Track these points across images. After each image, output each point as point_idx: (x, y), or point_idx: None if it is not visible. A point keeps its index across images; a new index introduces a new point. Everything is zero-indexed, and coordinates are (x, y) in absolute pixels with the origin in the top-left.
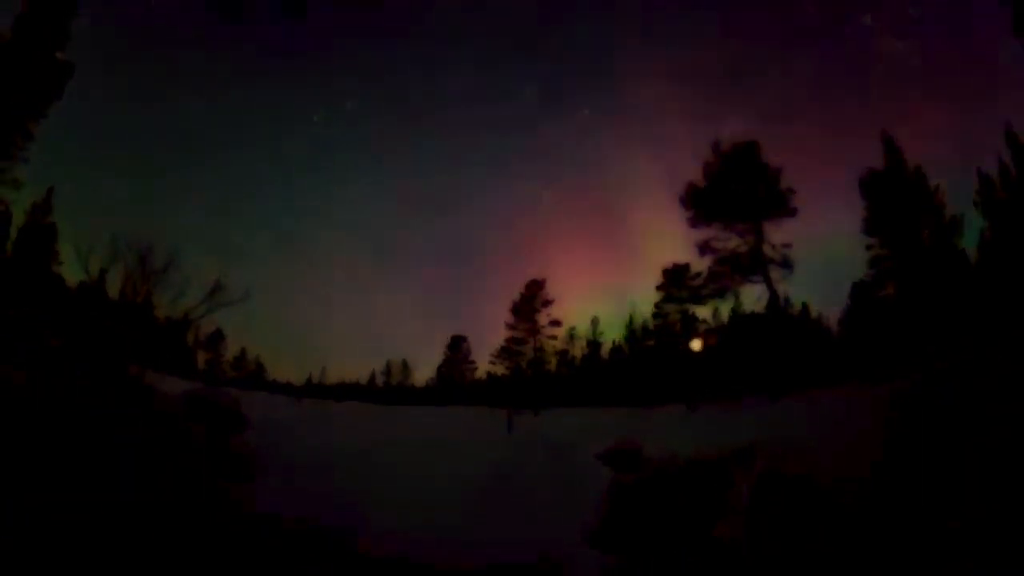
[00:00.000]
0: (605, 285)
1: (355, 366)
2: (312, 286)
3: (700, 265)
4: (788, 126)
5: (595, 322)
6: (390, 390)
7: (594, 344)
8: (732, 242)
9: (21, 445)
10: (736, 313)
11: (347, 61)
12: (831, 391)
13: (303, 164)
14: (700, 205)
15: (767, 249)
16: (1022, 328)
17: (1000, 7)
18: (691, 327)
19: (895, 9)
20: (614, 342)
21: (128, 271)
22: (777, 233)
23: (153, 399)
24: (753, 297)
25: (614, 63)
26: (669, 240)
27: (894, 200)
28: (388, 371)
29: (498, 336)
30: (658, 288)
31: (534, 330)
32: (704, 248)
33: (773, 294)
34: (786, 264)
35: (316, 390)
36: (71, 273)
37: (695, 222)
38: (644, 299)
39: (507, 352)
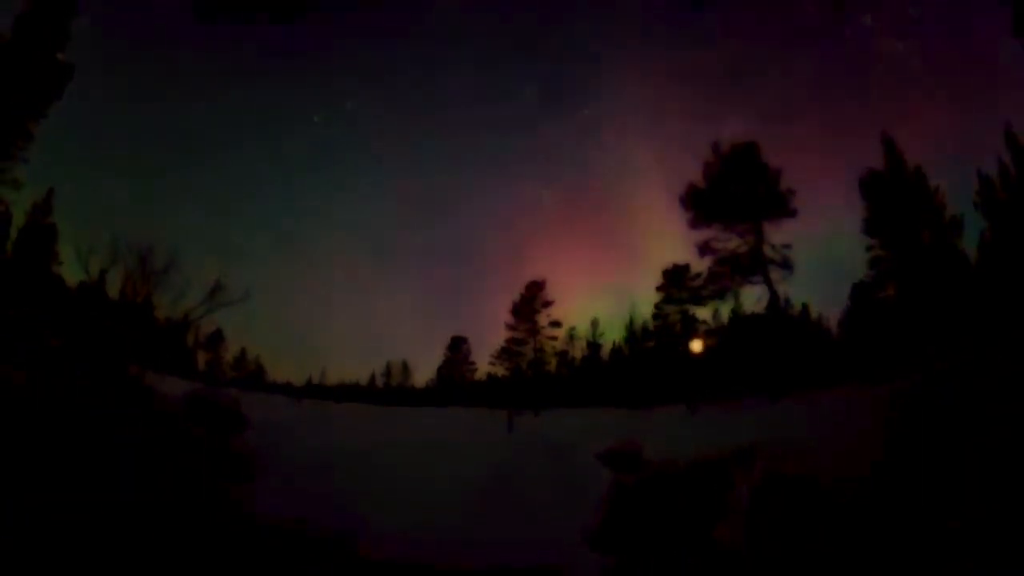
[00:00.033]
0: (605, 285)
1: (355, 367)
2: (312, 286)
3: (700, 266)
4: (788, 126)
5: (595, 323)
6: (390, 391)
7: (594, 345)
8: (732, 243)
9: (21, 445)
10: (736, 314)
11: (347, 61)
12: (831, 392)
13: (303, 164)
14: (700, 206)
15: (767, 250)
16: (1022, 328)
17: (1000, 7)
18: (691, 328)
19: (895, 9)
20: (614, 343)
21: (128, 271)
22: (777, 234)
23: (153, 400)
24: (753, 298)
25: (614, 63)
26: (669, 241)
27: (894, 200)
28: (388, 372)
29: (498, 337)
30: (658, 289)
31: (534, 331)
32: (704, 249)
33: (773, 295)
34: (786, 265)
35: (316, 391)
36: (71, 273)
37: (695, 223)
38: (644, 300)
39: (507, 353)
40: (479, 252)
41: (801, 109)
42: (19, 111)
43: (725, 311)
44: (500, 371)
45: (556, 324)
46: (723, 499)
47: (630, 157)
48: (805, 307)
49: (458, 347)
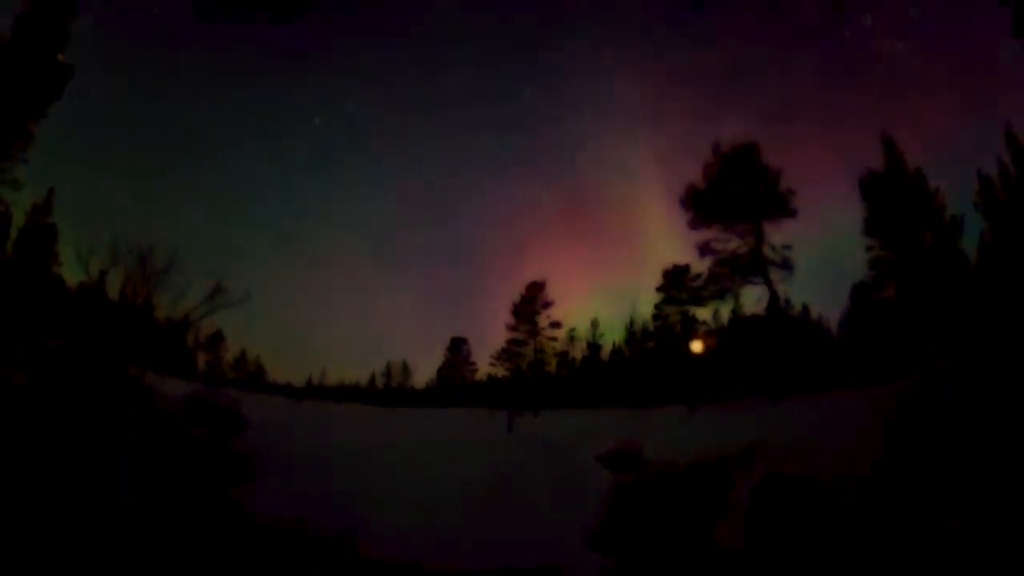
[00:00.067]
0: (605, 286)
1: (355, 367)
2: (312, 286)
3: (700, 266)
4: (788, 126)
5: (595, 324)
6: (390, 392)
7: (594, 345)
8: (732, 243)
9: (21, 445)
10: (736, 314)
11: (347, 61)
12: (831, 392)
13: (303, 164)
14: (700, 206)
15: (767, 250)
16: (1022, 328)
17: (1000, 7)
18: (691, 328)
19: (895, 9)
20: (614, 343)
21: (128, 272)
22: (777, 234)
23: (153, 400)
24: (753, 298)
25: (614, 63)
26: (669, 241)
27: (894, 201)
28: (388, 373)
29: (498, 337)
30: (658, 289)
31: (534, 332)
32: (704, 249)
33: (773, 295)
34: (786, 265)
35: (316, 391)
36: (71, 274)
37: (695, 223)
38: (644, 300)
39: (507, 354)
40: (479, 252)
41: (801, 109)
42: (19, 111)
43: (725, 312)
44: (500, 372)
45: (556, 325)
46: (723, 499)
47: (630, 157)
48: (805, 308)
49: (458, 348)
